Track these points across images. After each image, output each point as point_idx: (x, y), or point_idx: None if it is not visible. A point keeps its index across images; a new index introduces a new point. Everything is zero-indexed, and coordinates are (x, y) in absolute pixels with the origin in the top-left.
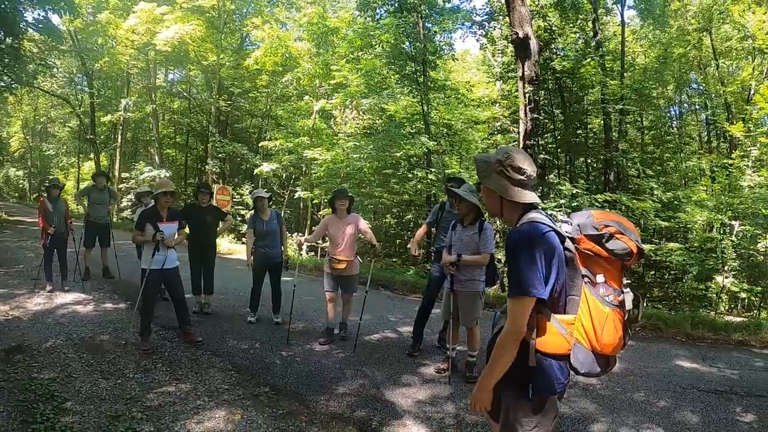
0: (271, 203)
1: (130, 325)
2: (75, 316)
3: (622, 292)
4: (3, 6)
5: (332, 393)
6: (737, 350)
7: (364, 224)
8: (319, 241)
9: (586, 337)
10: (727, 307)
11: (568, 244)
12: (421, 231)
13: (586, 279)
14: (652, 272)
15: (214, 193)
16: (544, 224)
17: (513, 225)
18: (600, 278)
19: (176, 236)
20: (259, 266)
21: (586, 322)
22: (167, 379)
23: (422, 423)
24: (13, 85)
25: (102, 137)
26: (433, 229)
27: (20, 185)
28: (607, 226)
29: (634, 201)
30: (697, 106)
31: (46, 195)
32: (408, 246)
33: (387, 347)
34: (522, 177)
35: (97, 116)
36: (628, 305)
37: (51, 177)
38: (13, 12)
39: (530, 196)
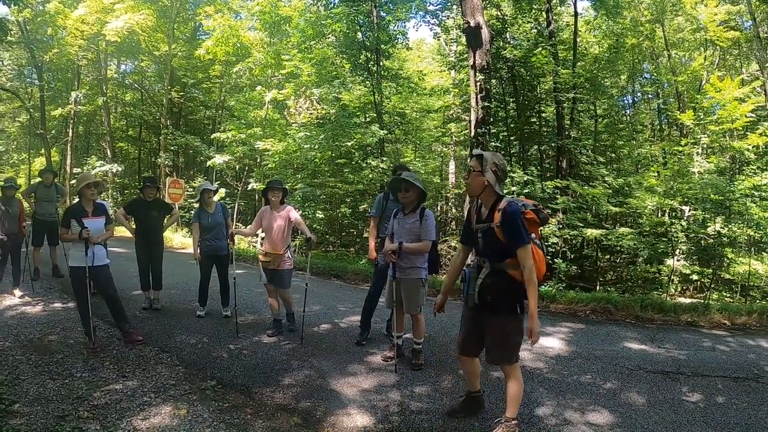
0: (224, 197)
1: (79, 325)
2: (23, 317)
3: (542, 242)
4: None
5: (278, 384)
6: (686, 331)
7: (295, 215)
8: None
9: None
10: (679, 290)
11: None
12: (372, 226)
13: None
14: (606, 256)
15: (167, 186)
16: (517, 204)
17: (488, 205)
18: (533, 234)
19: (104, 232)
20: (206, 259)
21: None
22: (114, 376)
23: (366, 411)
24: None
25: (53, 132)
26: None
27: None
28: (537, 205)
29: (585, 187)
30: (649, 95)
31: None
32: (369, 245)
33: (335, 337)
34: (504, 177)
35: (48, 110)
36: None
37: (6, 177)
38: None
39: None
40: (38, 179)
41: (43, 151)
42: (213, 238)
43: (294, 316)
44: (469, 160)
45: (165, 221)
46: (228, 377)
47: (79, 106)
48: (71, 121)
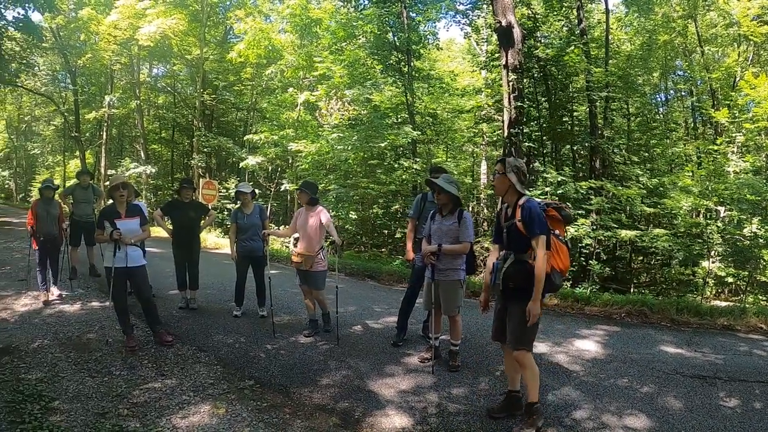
0: (256, 198)
1: (116, 323)
2: (62, 316)
3: (566, 239)
4: None
5: (316, 385)
6: (722, 335)
7: (326, 217)
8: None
9: (557, 263)
10: (714, 292)
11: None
12: (410, 228)
13: (551, 231)
14: (640, 258)
15: (200, 187)
16: (537, 202)
17: (512, 204)
18: (557, 231)
19: (140, 232)
20: (242, 259)
21: (556, 255)
22: (153, 375)
23: (405, 413)
24: None
25: (87, 134)
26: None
27: (6, 185)
28: (559, 203)
29: (620, 188)
30: (682, 93)
31: (39, 197)
32: (403, 246)
33: (371, 338)
34: (525, 178)
35: (82, 113)
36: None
37: (44, 179)
38: None
39: (524, 188)
40: (75, 181)
41: (77, 153)
42: (248, 238)
43: (330, 316)
44: (494, 165)
45: (201, 222)
46: (266, 377)
47: (112, 110)
48: (105, 124)
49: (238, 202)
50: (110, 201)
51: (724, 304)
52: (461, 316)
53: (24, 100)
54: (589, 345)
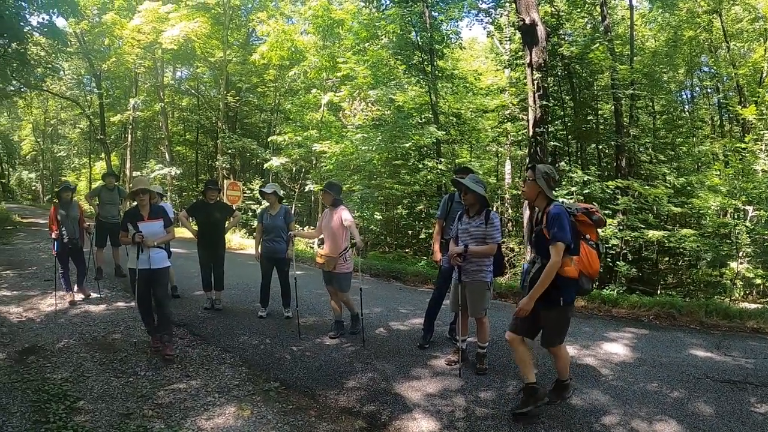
0: (282, 200)
1: (141, 324)
2: (87, 316)
3: (597, 243)
4: (7, 12)
5: (342, 387)
6: (752, 338)
7: (346, 217)
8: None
9: (586, 267)
10: (741, 294)
11: (571, 218)
12: (437, 229)
13: (581, 235)
14: (666, 258)
15: (225, 188)
16: (564, 207)
17: (542, 209)
18: (587, 236)
19: (163, 234)
20: (265, 260)
21: (585, 259)
22: (178, 376)
23: (432, 416)
24: (22, 89)
25: (112, 137)
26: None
27: (33, 187)
28: (589, 208)
29: (646, 187)
30: (708, 90)
31: (56, 201)
32: (431, 249)
33: (397, 339)
34: (554, 184)
35: (107, 116)
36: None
37: (62, 180)
38: (17, 17)
39: (553, 194)
40: (101, 182)
41: (103, 155)
42: (271, 240)
43: (358, 318)
44: (525, 171)
45: (226, 223)
46: (291, 379)
47: (137, 113)
48: (130, 127)
49: (264, 202)
50: (134, 203)
51: (752, 306)
52: (488, 318)
53: (50, 104)
54: (617, 348)
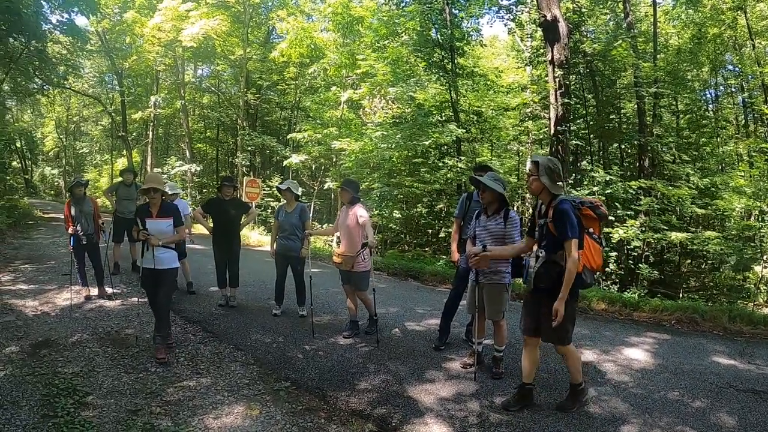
0: (299, 197)
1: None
2: (102, 311)
3: (600, 238)
4: (26, 11)
5: (353, 389)
6: None
7: (362, 214)
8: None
9: (589, 261)
10: (765, 299)
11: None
12: (455, 228)
13: (585, 229)
14: (688, 261)
15: (244, 185)
16: (570, 202)
17: (546, 203)
18: (591, 229)
19: (171, 234)
20: (279, 257)
21: (588, 253)
22: (188, 373)
23: (444, 422)
24: (45, 87)
25: (134, 134)
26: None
27: (56, 183)
28: (594, 202)
29: (670, 188)
30: (732, 89)
31: (70, 197)
32: (450, 248)
33: (412, 340)
34: (558, 178)
35: (128, 114)
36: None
37: (75, 176)
38: (36, 16)
39: (561, 189)
40: (119, 179)
41: (124, 152)
42: (285, 237)
43: (376, 320)
44: (528, 166)
45: (242, 220)
46: (302, 379)
47: (158, 110)
48: (151, 124)
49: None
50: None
51: None
52: (506, 321)
53: (72, 102)
54: (638, 354)
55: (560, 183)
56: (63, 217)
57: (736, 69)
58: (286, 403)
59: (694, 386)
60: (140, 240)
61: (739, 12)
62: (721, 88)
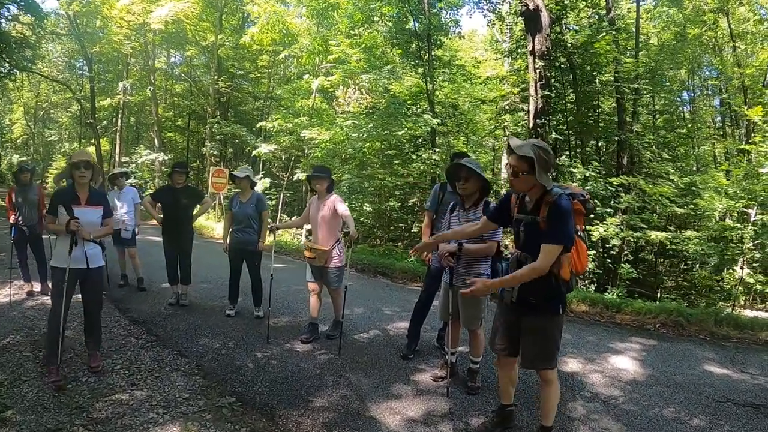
0: (268, 187)
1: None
2: (43, 309)
3: (584, 234)
4: None
5: (308, 407)
6: (766, 352)
7: (342, 206)
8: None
9: (575, 264)
10: (742, 301)
11: None
12: (426, 222)
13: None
14: (661, 260)
15: (211, 175)
16: (568, 199)
17: (533, 196)
18: (577, 227)
19: (101, 227)
20: (233, 252)
21: (576, 254)
22: (123, 384)
23: None
24: (12, 72)
25: (104, 122)
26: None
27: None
28: (585, 195)
29: (653, 186)
30: (709, 91)
31: (15, 183)
32: (413, 247)
33: (378, 347)
34: (550, 168)
35: (98, 100)
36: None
37: (19, 161)
38: None
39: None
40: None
41: (93, 140)
42: (240, 230)
43: (341, 325)
44: (508, 157)
45: (195, 210)
46: (250, 393)
47: (127, 97)
48: (120, 111)
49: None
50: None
51: (761, 315)
52: (484, 330)
53: (42, 87)
54: (625, 362)
55: (551, 173)
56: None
57: (716, 70)
58: (229, 423)
59: (690, 401)
60: (69, 232)
61: (719, 14)
62: (698, 89)
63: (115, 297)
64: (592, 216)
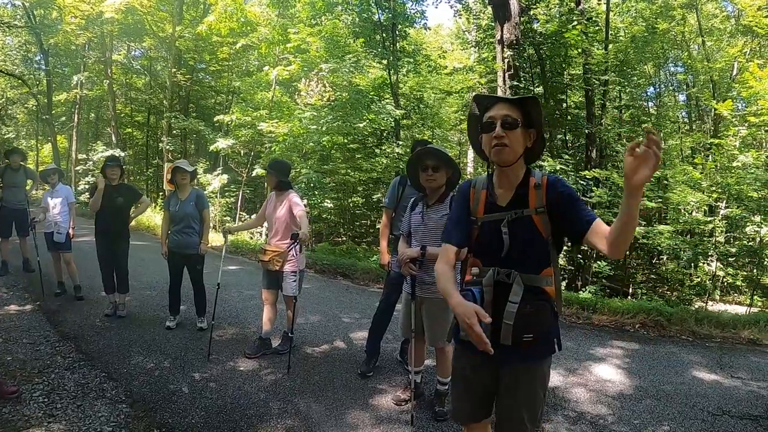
0: (226, 183)
1: (25, 336)
2: None
3: None
4: None
5: None
6: (752, 352)
7: (297, 207)
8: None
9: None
10: (716, 295)
11: None
12: (385, 221)
13: None
14: (633, 254)
15: (166, 172)
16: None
17: (511, 184)
18: None
19: None
20: (172, 256)
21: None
22: (40, 414)
23: None
24: None
25: (63, 118)
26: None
27: None
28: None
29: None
30: (672, 87)
31: None
32: (377, 248)
33: (333, 363)
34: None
35: (54, 95)
36: None
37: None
38: None
39: None
40: (5, 161)
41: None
42: (179, 231)
43: (288, 337)
44: (486, 112)
45: (131, 210)
46: (182, 426)
47: (83, 91)
48: (77, 106)
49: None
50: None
51: (724, 307)
52: (453, 346)
53: None
54: (609, 372)
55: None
56: None
57: (679, 67)
58: None
59: (684, 415)
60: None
61: (688, 10)
62: (662, 85)
63: (49, 308)
64: None
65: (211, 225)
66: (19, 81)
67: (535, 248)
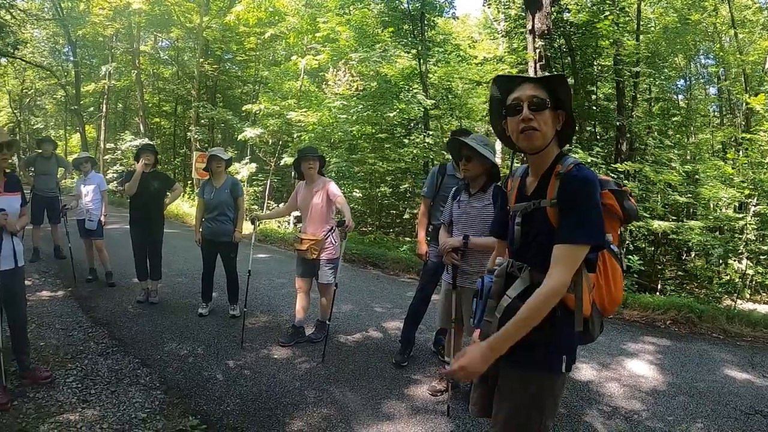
0: (254, 172)
1: (57, 321)
2: None
3: (620, 252)
4: None
5: (283, 430)
6: None
7: (335, 190)
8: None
9: (602, 296)
10: (747, 294)
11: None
12: (422, 210)
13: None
14: (660, 249)
15: (194, 160)
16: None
17: (538, 171)
18: (609, 237)
19: (20, 216)
20: (206, 244)
21: (603, 279)
22: (74, 401)
23: None
24: None
25: (91, 108)
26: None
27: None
28: (619, 184)
29: (659, 173)
30: (703, 79)
31: None
32: (405, 238)
33: (367, 352)
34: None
35: (83, 86)
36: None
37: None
38: None
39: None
40: (38, 150)
41: (79, 127)
42: (213, 219)
43: (325, 325)
44: (511, 95)
45: (166, 198)
46: (217, 413)
47: (112, 81)
48: (105, 97)
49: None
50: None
51: (754, 306)
52: None
53: (27, 74)
54: (642, 367)
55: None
56: None
57: (714, 58)
58: None
59: (717, 413)
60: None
61: (719, 1)
62: (693, 78)
63: (81, 294)
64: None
65: None
66: (48, 72)
67: (548, 244)
